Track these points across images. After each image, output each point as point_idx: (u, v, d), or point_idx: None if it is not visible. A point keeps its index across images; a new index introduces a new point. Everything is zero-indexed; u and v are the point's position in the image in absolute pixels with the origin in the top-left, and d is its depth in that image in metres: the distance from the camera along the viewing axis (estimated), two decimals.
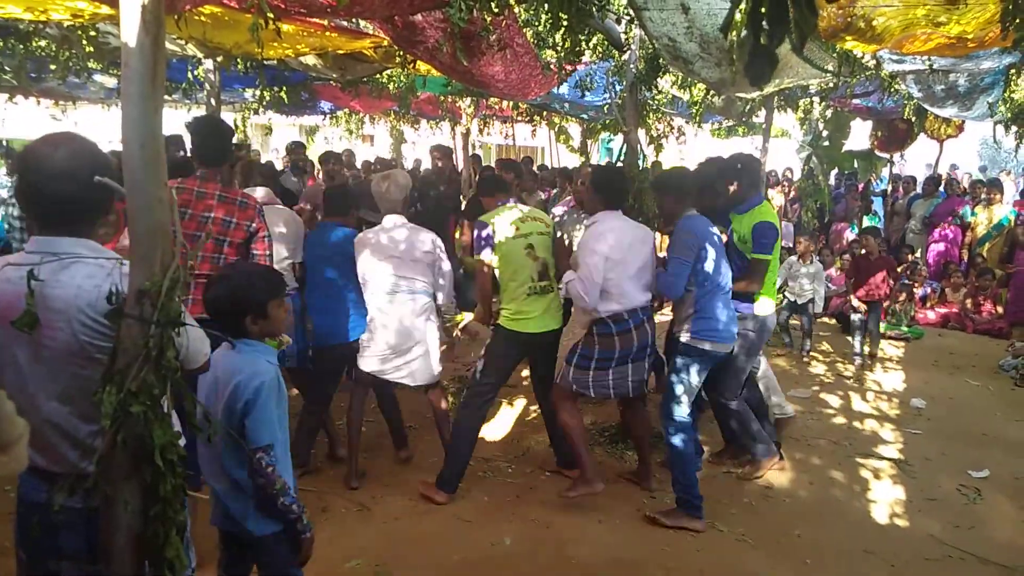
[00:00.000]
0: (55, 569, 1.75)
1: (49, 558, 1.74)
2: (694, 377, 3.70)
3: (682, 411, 3.68)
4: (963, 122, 9.86)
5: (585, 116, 10.67)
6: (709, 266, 3.62)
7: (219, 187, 3.18)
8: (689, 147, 12.14)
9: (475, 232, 3.91)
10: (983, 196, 9.70)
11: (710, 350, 3.67)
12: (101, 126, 9.03)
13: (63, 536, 1.71)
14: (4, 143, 8.99)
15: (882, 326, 7.61)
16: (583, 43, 5.07)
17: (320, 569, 3.16)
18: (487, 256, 3.80)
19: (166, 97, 7.96)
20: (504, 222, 3.84)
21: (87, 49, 4.77)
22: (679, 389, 3.69)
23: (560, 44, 5.02)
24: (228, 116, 8.45)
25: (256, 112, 8.63)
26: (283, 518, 2.12)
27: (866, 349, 6.87)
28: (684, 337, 3.71)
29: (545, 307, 3.83)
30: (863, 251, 7.19)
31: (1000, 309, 8.37)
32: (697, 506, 3.65)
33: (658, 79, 5.09)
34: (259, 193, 4.09)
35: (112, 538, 1.54)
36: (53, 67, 5.40)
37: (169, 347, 1.53)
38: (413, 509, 3.75)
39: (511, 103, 10.09)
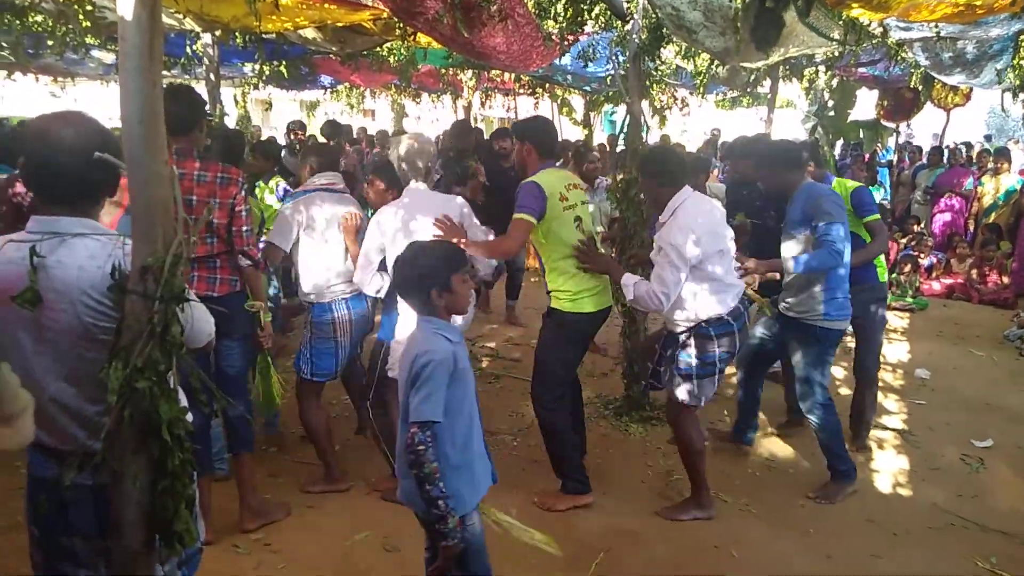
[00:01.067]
0: (68, 545, 1.76)
1: (60, 534, 1.76)
2: (830, 359, 3.77)
3: (825, 393, 3.74)
4: (970, 90, 9.72)
5: (588, 88, 10.57)
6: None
7: (197, 164, 2.98)
8: (693, 118, 12.06)
9: (522, 193, 3.39)
10: (990, 165, 9.61)
11: (844, 329, 3.73)
12: (101, 102, 8.99)
13: (72, 513, 1.73)
14: (3, 121, 8.96)
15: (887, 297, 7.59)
16: (585, 13, 5.01)
17: (329, 542, 3.21)
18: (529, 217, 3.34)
19: (165, 72, 7.90)
20: (554, 189, 3.40)
21: (84, 24, 4.72)
22: (819, 375, 3.70)
23: (562, 14, 4.96)
24: (228, 91, 8.39)
25: (256, 87, 8.57)
26: (428, 508, 2.04)
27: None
28: (817, 322, 3.62)
29: (606, 281, 3.54)
30: None
31: (1006, 279, 8.35)
32: (848, 472, 3.77)
33: (662, 49, 5.02)
34: (323, 179, 3.63)
35: (122, 513, 1.55)
36: (50, 43, 5.35)
37: (173, 323, 1.53)
38: None
39: (513, 75, 10.00)
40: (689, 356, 3.35)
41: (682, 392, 3.39)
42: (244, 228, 3.08)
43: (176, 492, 1.56)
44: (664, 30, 4.75)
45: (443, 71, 9.68)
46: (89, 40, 5.43)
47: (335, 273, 3.53)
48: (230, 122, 6.55)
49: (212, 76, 5.77)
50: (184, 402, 1.67)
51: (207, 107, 3.35)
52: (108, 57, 7.20)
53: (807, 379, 3.71)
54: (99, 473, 1.60)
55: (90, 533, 1.73)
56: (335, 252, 3.53)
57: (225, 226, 3.03)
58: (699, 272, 3.26)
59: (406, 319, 3.25)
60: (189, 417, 1.63)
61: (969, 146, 10.81)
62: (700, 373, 3.35)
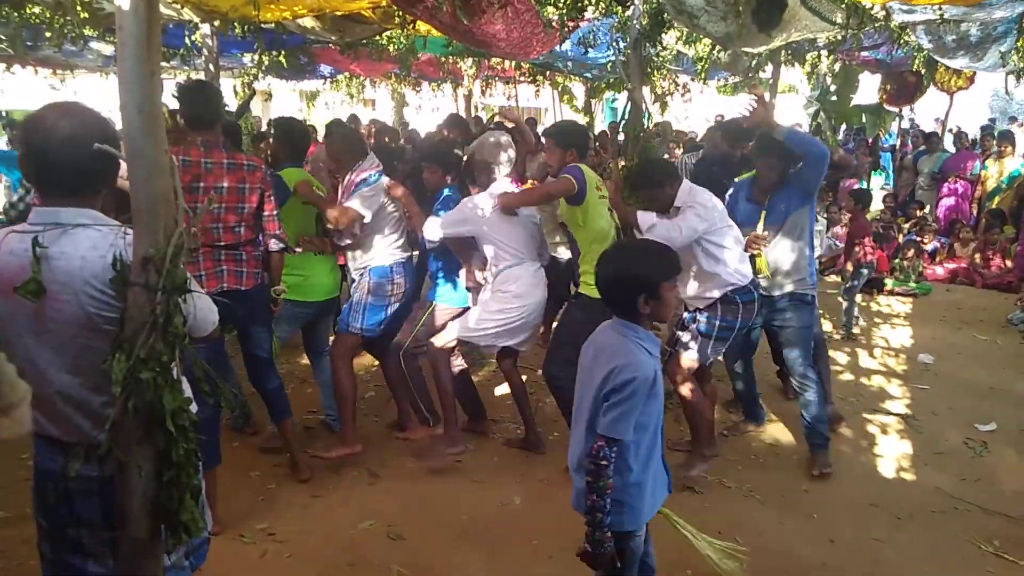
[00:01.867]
0: (75, 536, 1.77)
1: (67, 525, 1.77)
2: None
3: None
4: (974, 74, 9.66)
5: (588, 75, 10.51)
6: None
7: (224, 154, 3.14)
8: (695, 104, 12.00)
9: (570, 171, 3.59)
10: (994, 148, 9.56)
11: None
12: (100, 94, 8.97)
13: (78, 504, 1.74)
14: (4, 113, 8.95)
15: (889, 282, 7.57)
16: None
17: (333, 530, 3.23)
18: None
19: (164, 63, 7.88)
20: (592, 178, 3.61)
21: (82, 15, 4.70)
22: (809, 347, 3.86)
23: (562, 1, 4.93)
24: (227, 82, 8.37)
25: (256, 78, 8.53)
26: (588, 513, 2.03)
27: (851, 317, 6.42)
28: (809, 290, 3.79)
29: None
30: (851, 216, 6.84)
31: (1009, 263, 8.32)
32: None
33: (663, 35, 4.99)
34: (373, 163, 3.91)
35: (127, 503, 1.56)
36: (48, 35, 5.33)
37: (176, 314, 1.53)
38: (423, 471, 3.79)
39: (513, 63, 9.95)
40: (714, 319, 3.62)
41: (692, 355, 3.66)
42: (275, 212, 3.32)
43: (181, 482, 1.56)
44: (665, 15, 4.72)
45: (443, 59, 9.63)
46: (87, 32, 5.42)
47: (395, 238, 3.90)
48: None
49: (211, 67, 5.75)
50: (188, 392, 1.67)
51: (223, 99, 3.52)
52: (107, 49, 7.16)
53: (804, 353, 3.80)
54: (105, 464, 1.60)
55: (97, 524, 1.74)
56: (396, 219, 3.91)
57: (254, 211, 3.23)
58: (725, 238, 3.53)
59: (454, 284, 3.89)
60: (193, 407, 1.63)
61: (962, 136, 10.72)
62: (719, 335, 3.64)
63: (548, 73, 11.26)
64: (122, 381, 1.48)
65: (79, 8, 4.59)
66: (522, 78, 11.51)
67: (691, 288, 3.66)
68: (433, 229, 3.76)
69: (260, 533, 3.19)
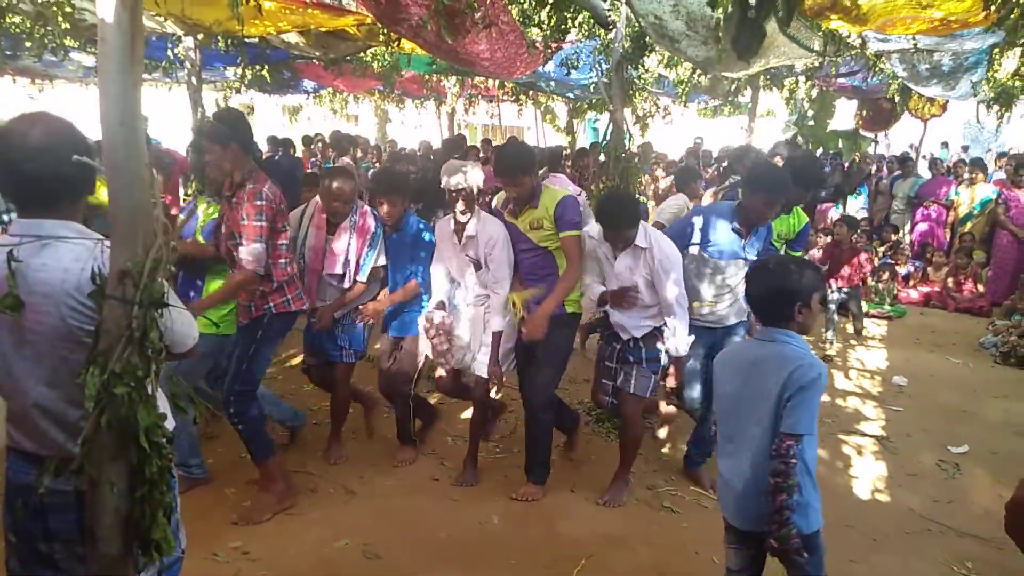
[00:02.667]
0: (46, 551, 1.74)
1: (38, 541, 1.74)
2: None
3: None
4: (947, 101, 9.91)
5: (571, 95, 10.62)
6: None
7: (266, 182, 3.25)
8: (675, 126, 12.15)
9: (572, 209, 3.55)
10: (966, 175, 9.77)
11: None
12: (80, 105, 8.89)
13: (52, 518, 1.71)
14: None
15: (865, 305, 7.68)
16: (569, 21, 5.05)
17: (309, 549, 3.19)
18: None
19: (146, 76, 7.84)
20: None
21: (63, 25, 4.67)
22: None
23: (546, 22, 5.00)
24: (209, 95, 8.34)
25: (238, 91, 8.52)
26: (775, 515, 2.09)
27: (830, 335, 6.72)
28: (743, 316, 3.81)
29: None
30: (836, 239, 7.23)
31: (981, 287, 8.47)
32: None
33: (644, 58, 5.07)
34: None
35: (99, 519, 1.53)
36: (28, 44, 5.29)
37: (152, 328, 1.51)
38: (400, 489, 3.76)
39: (497, 82, 10.03)
40: (658, 351, 3.62)
41: (647, 385, 3.63)
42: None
43: (154, 499, 1.54)
44: (647, 39, 4.80)
45: (427, 77, 9.68)
46: (68, 42, 5.38)
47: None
48: None
49: (194, 80, 5.73)
50: (164, 408, 1.65)
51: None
52: (88, 59, 7.11)
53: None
54: (79, 479, 1.58)
55: (72, 539, 1.71)
56: None
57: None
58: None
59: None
60: (169, 424, 1.61)
61: (937, 162, 10.99)
62: (662, 366, 3.67)
63: (531, 93, 11.36)
64: (96, 396, 1.46)
65: (60, 19, 4.56)
66: (505, 97, 11.61)
67: (629, 318, 3.60)
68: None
69: (233, 552, 3.14)
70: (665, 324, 3.54)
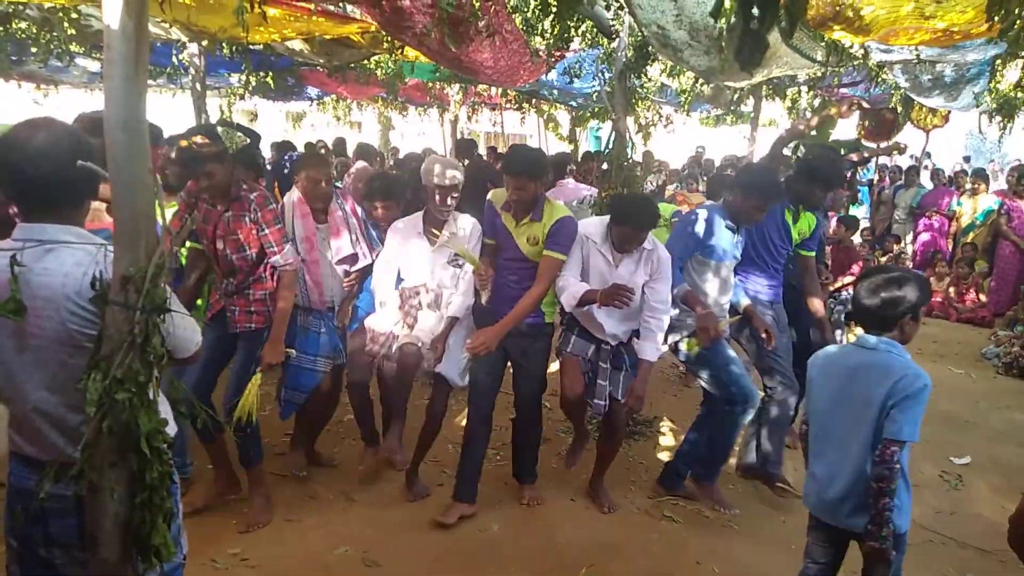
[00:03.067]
0: (46, 556, 1.74)
1: (39, 545, 1.73)
2: None
3: None
4: (949, 112, 9.91)
5: (574, 103, 10.65)
6: None
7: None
8: (677, 135, 12.17)
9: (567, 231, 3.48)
10: (968, 186, 9.78)
11: None
12: (85, 110, 8.92)
13: (52, 523, 1.71)
14: None
15: None
16: (572, 30, 5.06)
17: (307, 556, 3.18)
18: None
19: (150, 82, 7.87)
20: None
21: (69, 32, 4.70)
22: None
23: (549, 31, 5.01)
24: (213, 102, 8.37)
25: (242, 98, 8.55)
26: (875, 517, 2.20)
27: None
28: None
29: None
30: (838, 240, 7.24)
31: (983, 298, 8.46)
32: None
33: (647, 67, 5.08)
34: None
35: (98, 525, 1.53)
36: (34, 50, 5.32)
37: (154, 334, 1.51)
38: (400, 496, 3.75)
39: (500, 90, 10.05)
40: (635, 356, 3.58)
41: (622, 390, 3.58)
42: None
43: (154, 505, 1.54)
44: (650, 48, 4.81)
45: (430, 85, 9.72)
46: (74, 48, 5.41)
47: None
48: None
49: (198, 86, 5.76)
50: (165, 414, 1.65)
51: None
52: (93, 65, 7.16)
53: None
54: (79, 484, 1.58)
55: (72, 544, 1.71)
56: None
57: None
58: None
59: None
60: (170, 429, 1.61)
61: (939, 173, 11.00)
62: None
63: (534, 101, 11.39)
64: (97, 401, 1.46)
65: (66, 25, 4.59)
66: (508, 105, 11.62)
67: (617, 322, 3.52)
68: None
69: (232, 558, 3.13)
70: (648, 327, 3.46)
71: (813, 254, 4.17)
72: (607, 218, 3.50)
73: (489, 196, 3.63)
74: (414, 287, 3.59)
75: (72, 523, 1.69)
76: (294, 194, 3.61)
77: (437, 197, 3.49)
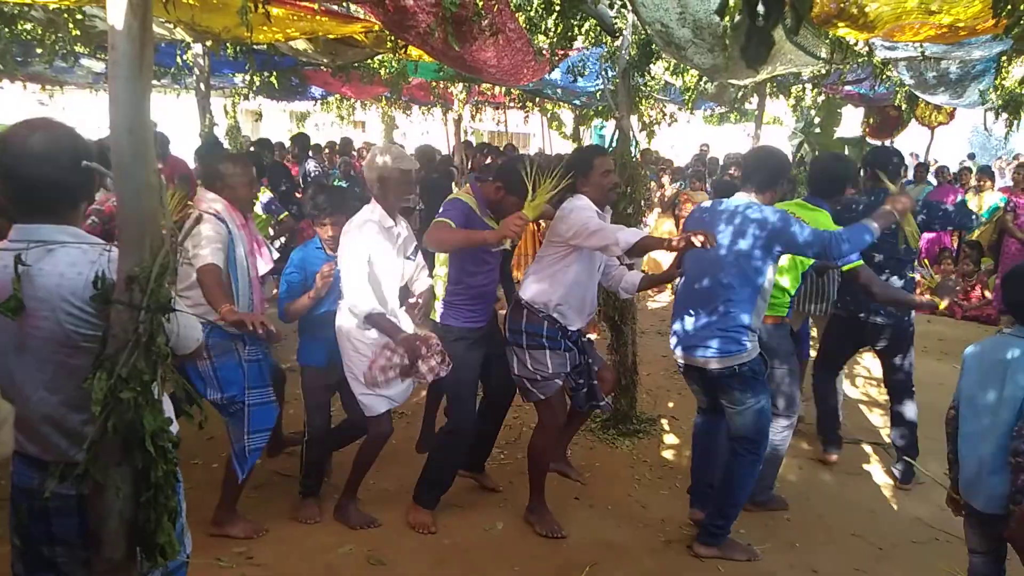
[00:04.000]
0: (49, 555, 1.75)
1: (42, 544, 1.74)
2: None
3: None
4: (954, 109, 9.88)
5: (577, 102, 10.64)
6: None
7: None
8: (681, 133, 12.16)
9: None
10: (973, 183, 9.74)
11: None
12: (90, 111, 8.96)
13: (56, 522, 1.71)
14: None
15: None
16: (575, 28, 5.05)
17: (312, 555, 3.19)
18: None
19: (155, 82, 7.90)
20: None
21: (73, 32, 4.72)
22: None
23: (552, 29, 5.00)
24: (217, 101, 8.39)
25: (246, 98, 8.57)
26: (1017, 497, 2.25)
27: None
28: None
29: None
30: None
31: (988, 295, 8.43)
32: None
33: (651, 65, 5.06)
34: None
35: (103, 524, 1.53)
36: (39, 51, 5.34)
37: (159, 333, 1.52)
38: (404, 496, 3.75)
39: (503, 89, 10.06)
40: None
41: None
42: None
43: (159, 504, 1.54)
44: (653, 46, 4.79)
45: (434, 84, 9.72)
46: (79, 49, 5.42)
47: None
48: (220, 132, 6.54)
49: (202, 86, 5.77)
50: (170, 413, 1.66)
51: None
52: (98, 66, 7.18)
53: None
54: (82, 483, 1.58)
55: (75, 543, 1.72)
56: None
57: None
58: None
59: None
60: (174, 428, 1.62)
61: (944, 171, 10.97)
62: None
63: (537, 99, 11.38)
64: (102, 400, 1.47)
65: (71, 25, 4.60)
66: (512, 104, 11.64)
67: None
68: None
69: (238, 557, 3.14)
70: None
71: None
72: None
73: (455, 196, 3.44)
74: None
75: (75, 522, 1.70)
76: (218, 202, 3.11)
77: (404, 186, 3.30)
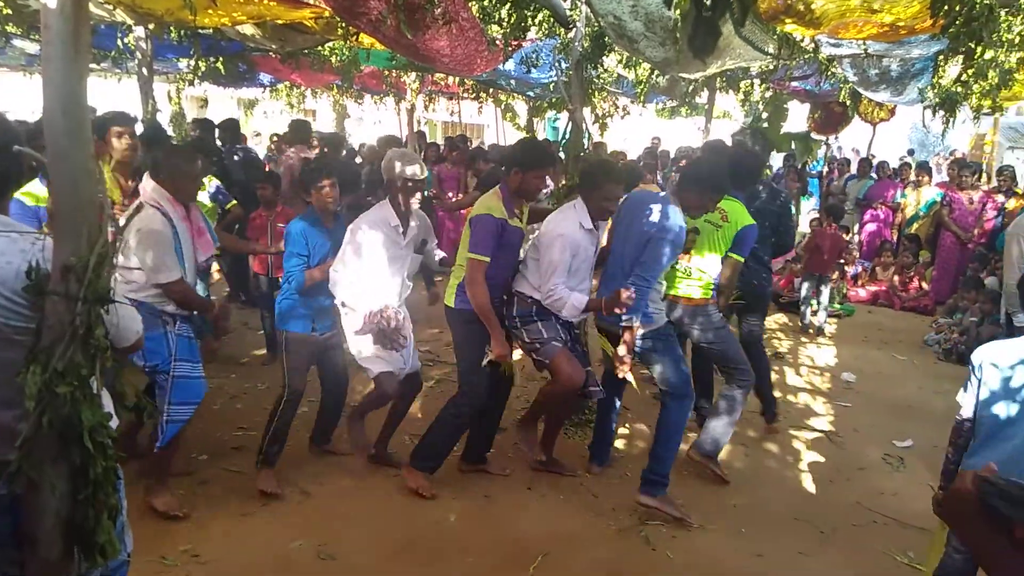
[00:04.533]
0: None
1: None
2: None
3: None
4: (895, 106, 10.19)
5: (531, 94, 10.65)
6: None
7: None
8: (634, 126, 12.28)
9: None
10: (912, 178, 10.08)
11: None
12: (23, 94, 8.58)
13: None
14: None
15: (826, 295, 7.90)
16: (529, 19, 5.05)
17: (261, 551, 3.14)
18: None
19: (95, 66, 7.61)
20: None
21: (4, 11, 4.51)
22: None
23: (506, 20, 4.99)
24: (161, 87, 8.13)
25: (191, 83, 8.30)
26: None
27: (817, 319, 7.25)
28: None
29: None
30: (825, 226, 7.50)
31: (926, 286, 8.76)
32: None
33: (604, 57, 5.10)
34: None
35: (38, 523, 1.48)
36: None
37: (97, 325, 1.47)
38: (356, 489, 3.72)
39: (457, 79, 9.99)
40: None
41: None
42: None
43: (98, 501, 1.50)
44: (606, 39, 4.82)
45: (386, 73, 9.60)
46: (10, 29, 5.19)
47: None
48: (163, 119, 6.34)
49: (144, 71, 5.59)
50: (109, 407, 1.60)
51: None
52: (31, 47, 6.87)
53: None
54: (15, 483, 1.52)
55: (6, 543, 1.65)
56: None
57: None
58: None
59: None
60: (113, 423, 1.57)
61: (884, 166, 11.38)
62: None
63: (491, 90, 11.35)
64: (37, 395, 1.41)
65: (2, 4, 4.40)
66: (465, 94, 11.57)
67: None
68: None
69: (183, 555, 3.07)
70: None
71: (742, 259, 4.03)
72: (573, 204, 3.58)
73: (484, 211, 3.49)
74: (382, 309, 3.52)
75: (7, 522, 1.63)
76: (160, 194, 3.11)
77: (406, 194, 3.54)
